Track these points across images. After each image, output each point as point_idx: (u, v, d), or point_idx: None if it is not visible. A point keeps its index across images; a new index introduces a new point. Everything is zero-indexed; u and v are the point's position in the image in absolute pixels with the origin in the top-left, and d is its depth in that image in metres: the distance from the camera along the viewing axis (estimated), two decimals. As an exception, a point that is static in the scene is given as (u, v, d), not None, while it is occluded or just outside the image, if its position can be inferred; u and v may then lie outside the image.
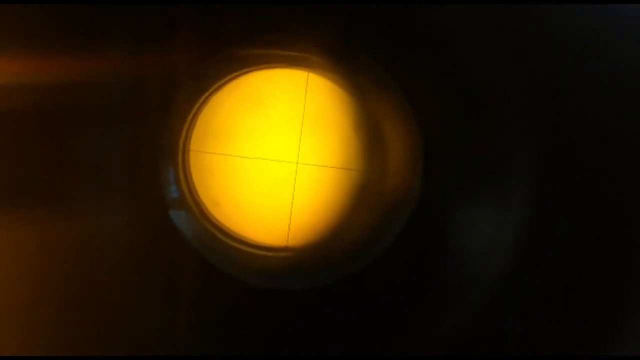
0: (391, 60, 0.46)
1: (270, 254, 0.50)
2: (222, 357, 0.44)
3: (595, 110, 0.38)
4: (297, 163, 0.50)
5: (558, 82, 0.39)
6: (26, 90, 0.32)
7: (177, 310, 0.41)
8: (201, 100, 0.49)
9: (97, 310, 0.40)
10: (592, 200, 0.39)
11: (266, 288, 0.47)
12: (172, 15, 0.34)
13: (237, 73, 0.50)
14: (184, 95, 0.41)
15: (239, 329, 0.45)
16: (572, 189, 0.39)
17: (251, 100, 0.50)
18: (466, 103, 0.45)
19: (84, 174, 0.39)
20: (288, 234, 0.50)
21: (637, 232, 0.38)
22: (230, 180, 0.50)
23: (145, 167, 0.42)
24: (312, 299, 0.46)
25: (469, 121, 0.45)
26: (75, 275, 0.39)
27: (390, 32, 0.45)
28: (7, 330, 0.36)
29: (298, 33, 0.45)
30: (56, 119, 0.36)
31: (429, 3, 0.42)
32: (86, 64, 0.34)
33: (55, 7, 0.30)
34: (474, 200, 0.45)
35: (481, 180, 0.44)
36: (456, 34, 0.42)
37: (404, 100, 0.47)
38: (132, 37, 0.34)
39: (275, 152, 0.50)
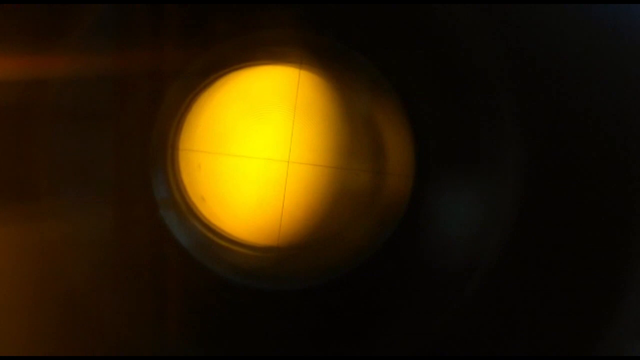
0: (384, 59, 0.46)
1: (261, 254, 0.49)
2: (210, 358, 0.43)
3: (594, 110, 0.38)
4: (288, 162, 0.49)
5: (554, 81, 0.39)
6: (9, 87, 0.31)
7: (166, 309, 0.41)
8: (191, 97, 0.48)
9: (83, 310, 0.39)
10: (583, 201, 0.39)
11: (257, 288, 0.46)
12: (158, 10, 0.34)
13: (227, 70, 0.49)
14: (172, 92, 0.41)
15: (229, 329, 0.45)
16: (565, 190, 0.40)
17: (242, 98, 0.50)
18: (459, 102, 0.44)
19: (70, 172, 0.38)
20: (279, 234, 0.49)
21: (632, 234, 0.38)
22: (220, 179, 0.49)
23: (133, 166, 0.41)
24: (303, 299, 0.46)
25: (462, 120, 0.45)
26: (62, 274, 0.38)
27: (382, 30, 0.44)
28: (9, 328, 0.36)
29: (288, 31, 0.44)
30: (41, 117, 0.35)
31: (423, 2, 0.41)
32: (70, 60, 0.33)
33: (40, 4, 0.29)
34: (467, 199, 0.45)
35: (474, 179, 0.44)
36: (451, 33, 0.42)
37: (396, 98, 0.47)
38: (118, 34, 0.34)
39: (267, 151, 0.49)
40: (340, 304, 0.46)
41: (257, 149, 0.49)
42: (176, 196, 0.48)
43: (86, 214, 0.39)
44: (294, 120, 0.49)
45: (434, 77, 0.45)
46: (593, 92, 0.38)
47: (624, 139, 0.38)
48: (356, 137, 0.50)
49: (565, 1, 0.38)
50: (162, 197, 0.44)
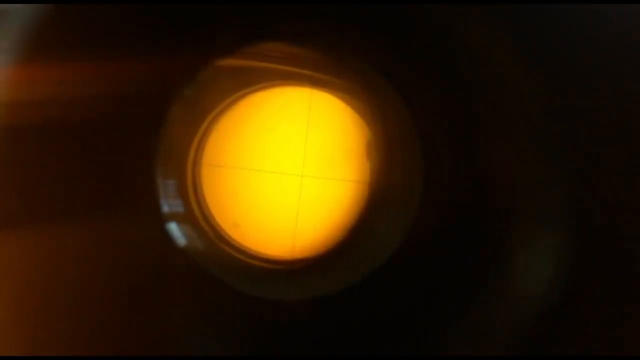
0: (395, 75, 0.47)
1: (275, 265, 0.50)
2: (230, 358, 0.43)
3: (611, 114, 0.37)
4: (302, 176, 0.51)
5: (569, 85, 0.37)
6: (23, 104, 0.33)
7: (175, 320, 0.41)
8: (211, 116, 0.51)
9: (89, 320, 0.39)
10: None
11: (270, 299, 0.47)
12: (167, 19, 0.36)
13: (245, 91, 0.52)
14: (185, 106, 0.43)
15: (243, 340, 0.45)
16: (581, 203, 0.38)
17: (259, 116, 0.52)
18: (470, 116, 0.45)
19: (83, 186, 0.40)
20: (293, 245, 0.51)
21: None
22: (238, 192, 0.52)
23: (141, 179, 0.42)
24: (316, 309, 0.46)
25: (472, 134, 0.45)
26: (71, 290, 0.38)
27: (394, 47, 0.46)
28: (21, 333, 0.37)
29: (298, 49, 0.47)
30: (51, 132, 0.36)
31: (430, 11, 0.42)
32: (75, 74, 0.34)
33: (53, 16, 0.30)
34: (475, 210, 0.44)
35: (484, 192, 0.44)
36: (460, 43, 0.42)
37: (406, 114, 0.48)
38: (124, 42, 0.35)
39: (281, 165, 0.52)
40: (353, 313, 0.46)
41: (272, 164, 0.52)
42: (194, 208, 0.50)
43: (94, 226, 0.39)
44: (306, 136, 0.51)
45: (446, 91, 0.46)
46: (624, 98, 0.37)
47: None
48: (367, 152, 0.51)
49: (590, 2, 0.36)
50: (174, 211, 0.45)
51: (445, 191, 0.46)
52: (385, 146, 0.50)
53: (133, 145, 0.41)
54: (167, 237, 0.44)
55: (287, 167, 0.51)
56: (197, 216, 0.49)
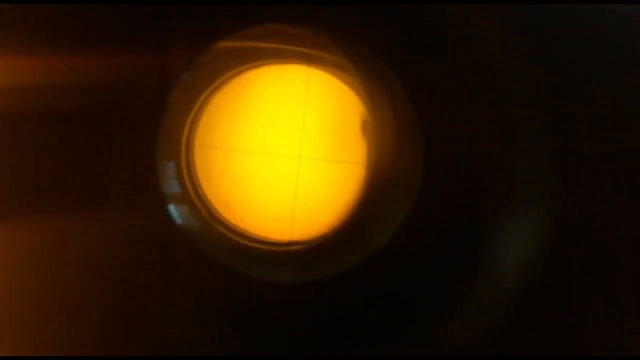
0: (393, 56, 0.47)
1: (272, 247, 0.50)
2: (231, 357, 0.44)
3: (617, 112, 0.37)
4: (299, 157, 0.50)
5: (569, 83, 0.38)
6: (10, 92, 0.32)
7: (176, 303, 0.41)
8: (204, 96, 0.50)
9: (86, 310, 0.39)
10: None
11: (269, 281, 0.47)
12: (165, 6, 0.35)
13: (238, 69, 0.51)
14: (182, 90, 0.42)
15: (243, 323, 0.46)
16: (583, 196, 0.38)
17: (254, 95, 0.51)
18: (470, 99, 0.44)
19: (81, 173, 0.39)
20: (291, 228, 0.51)
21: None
22: (233, 175, 0.51)
23: (141, 162, 0.42)
24: (315, 292, 0.47)
25: (473, 117, 0.45)
26: (66, 275, 0.38)
27: (392, 27, 0.45)
28: (16, 329, 0.37)
29: (296, 28, 0.45)
30: (51, 119, 0.35)
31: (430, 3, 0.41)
32: (76, 62, 0.34)
33: (48, 7, 0.29)
34: (472, 196, 0.44)
35: (481, 179, 0.44)
36: (462, 32, 0.41)
37: (405, 94, 0.47)
38: (123, 31, 0.34)
39: (278, 147, 0.51)
40: (351, 297, 0.47)
41: (269, 145, 0.51)
42: (190, 192, 0.49)
43: (96, 213, 0.39)
44: (304, 116, 0.50)
45: (446, 74, 0.45)
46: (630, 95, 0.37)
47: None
48: (365, 132, 0.51)
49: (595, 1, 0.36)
50: (171, 192, 0.45)
51: (445, 176, 0.46)
52: (384, 128, 0.50)
53: (133, 132, 0.40)
54: (169, 221, 0.43)
55: (284, 148, 0.51)
56: (194, 199, 0.49)
